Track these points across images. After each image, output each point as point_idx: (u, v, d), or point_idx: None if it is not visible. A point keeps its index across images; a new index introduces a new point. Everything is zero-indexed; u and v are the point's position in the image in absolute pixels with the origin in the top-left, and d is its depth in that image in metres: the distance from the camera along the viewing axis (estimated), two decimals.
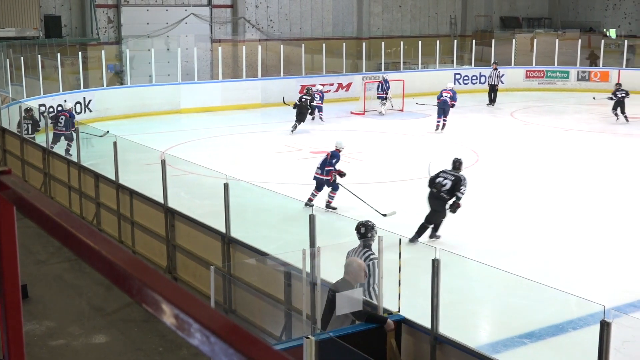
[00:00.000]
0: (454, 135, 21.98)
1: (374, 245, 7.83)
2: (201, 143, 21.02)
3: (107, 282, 1.44)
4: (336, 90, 29.23)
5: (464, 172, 12.29)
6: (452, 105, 22.88)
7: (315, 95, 23.96)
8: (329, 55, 30.11)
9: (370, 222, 8.37)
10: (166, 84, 27.23)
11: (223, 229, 9.43)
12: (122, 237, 12.07)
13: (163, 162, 10.89)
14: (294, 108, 22.67)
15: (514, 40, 33.55)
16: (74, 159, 14.12)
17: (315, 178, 13.86)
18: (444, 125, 22.58)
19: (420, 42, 31.64)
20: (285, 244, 11.00)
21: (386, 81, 25.99)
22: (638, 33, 37.02)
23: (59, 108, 20.55)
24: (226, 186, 9.37)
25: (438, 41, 32.21)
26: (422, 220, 12.14)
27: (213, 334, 1.19)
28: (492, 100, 28.25)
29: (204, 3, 31.07)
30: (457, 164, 12.29)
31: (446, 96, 22.80)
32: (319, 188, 13.84)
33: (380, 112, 25.77)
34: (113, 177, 12.24)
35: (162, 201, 10.79)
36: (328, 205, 13.72)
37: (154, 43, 28.70)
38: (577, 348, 8.52)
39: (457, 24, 38.28)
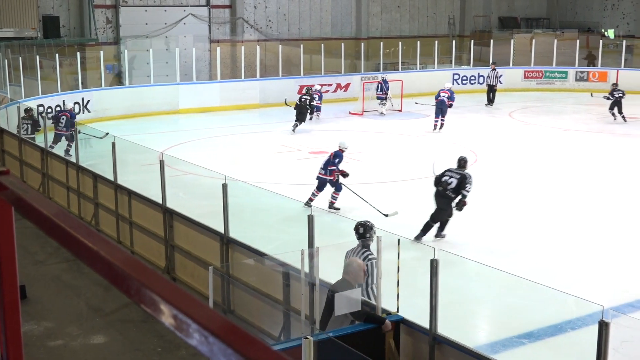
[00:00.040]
0: (452, 135, 21.98)
1: (373, 246, 7.83)
2: (200, 143, 21.01)
3: (106, 283, 1.44)
4: (335, 91, 29.24)
5: (468, 170, 12.30)
6: (450, 105, 22.94)
7: (314, 95, 23.98)
8: (328, 56, 30.12)
9: (369, 222, 8.37)
10: (165, 84, 27.22)
11: (221, 229, 9.43)
12: (121, 238, 12.06)
13: (161, 163, 10.89)
14: (295, 109, 22.71)
15: (512, 40, 33.57)
16: (73, 159, 14.12)
17: (318, 178, 13.87)
18: (441, 124, 22.65)
19: (418, 42, 31.66)
20: (283, 244, 11.00)
21: (385, 81, 25.99)
22: (636, 33, 37.04)
23: (59, 108, 20.52)
24: (225, 186, 9.37)
25: (436, 41, 32.23)
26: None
27: (211, 334, 1.19)
28: (490, 101, 28.26)
29: (202, 3, 31.06)
30: (462, 163, 12.39)
31: (444, 96, 22.85)
32: (320, 188, 13.84)
33: (382, 113, 25.78)
34: (111, 178, 12.24)
35: (160, 201, 10.79)
36: (331, 206, 13.72)
37: (152, 43, 28.69)
38: (575, 348, 8.53)
39: (456, 24, 38.30)
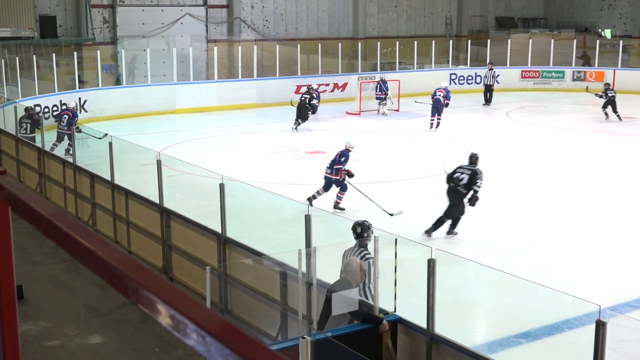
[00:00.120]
0: (449, 135, 22.00)
1: (370, 245, 7.83)
2: (197, 143, 21.00)
3: (103, 283, 1.44)
4: (332, 91, 29.24)
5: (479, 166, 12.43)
6: (446, 105, 23.06)
7: (314, 94, 24.00)
8: (325, 56, 30.12)
9: (367, 221, 8.37)
10: (162, 84, 27.20)
11: (219, 229, 9.43)
12: (118, 238, 12.05)
13: (159, 163, 10.89)
14: (296, 108, 22.84)
15: (509, 40, 33.61)
16: (70, 159, 14.11)
17: (325, 177, 13.87)
18: (438, 123, 22.78)
19: (415, 42, 31.67)
20: (281, 244, 10.99)
21: (384, 82, 26.02)
22: (633, 33, 37.09)
23: (63, 107, 20.49)
24: (222, 186, 9.37)
25: (434, 41, 32.24)
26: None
27: (209, 334, 1.19)
28: (487, 101, 28.29)
29: (199, 3, 31.05)
30: (473, 159, 12.52)
31: (440, 95, 22.98)
32: (326, 188, 13.83)
33: (384, 113, 25.81)
34: (109, 178, 12.23)
35: (157, 201, 10.79)
36: (336, 206, 13.71)
37: (149, 43, 28.67)
38: (572, 348, 8.54)
39: (453, 24, 38.32)
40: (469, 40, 33.85)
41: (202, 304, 1.27)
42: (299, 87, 28.37)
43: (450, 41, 33.41)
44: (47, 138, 16.02)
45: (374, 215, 12.63)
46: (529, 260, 11.23)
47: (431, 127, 22.83)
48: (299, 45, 29.64)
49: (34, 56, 23.31)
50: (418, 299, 6.99)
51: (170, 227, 10.56)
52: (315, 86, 25.09)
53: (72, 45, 26.57)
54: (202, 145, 20.84)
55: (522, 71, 32.58)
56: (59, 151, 17.19)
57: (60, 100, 23.00)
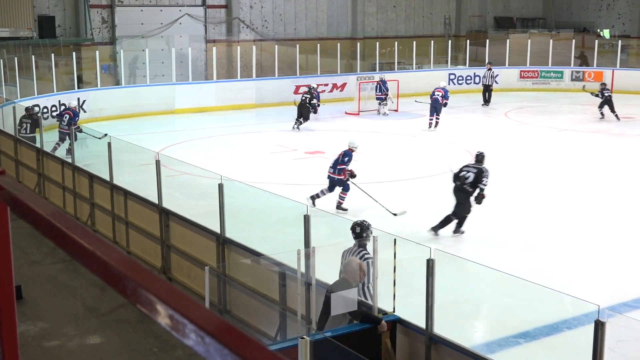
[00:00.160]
0: (448, 135, 22.01)
1: (369, 245, 7.83)
2: (196, 143, 21.00)
3: (102, 283, 1.44)
4: (331, 91, 29.23)
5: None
6: (445, 104, 23.16)
7: (314, 93, 24.01)
8: (324, 56, 30.11)
9: (366, 221, 8.37)
10: (160, 84, 27.19)
11: (218, 230, 9.42)
12: (117, 238, 12.05)
13: (157, 163, 10.88)
14: (298, 108, 22.96)
15: (508, 40, 33.62)
16: (69, 159, 14.11)
17: (328, 177, 13.86)
18: (436, 123, 22.88)
19: (414, 42, 31.67)
20: (280, 244, 10.99)
21: (384, 82, 26.03)
22: (632, 33, 37.13)
23: (65, 106, 20.48)
24: (221, 186, 9.37)
25: (432, 41, 32.25)
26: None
27: (208, 334, 1.19)
28: (486, 101, 28.30)
29: (198, 3, 31.04)
30: (480, 157, 12.60)
31: (438, 95, 23.09)
32: (331, 188, 13.82)
33: (385, 113, 25.82)
34: (107, 178, 12.23)
35: (156, 202, 10.78)
36: (339, 207, 13.69)
37: (148, 43, 28.67)
38: (571, 348, 8.54)
39: (452, 24, 38.33)
40: (468, 40, 33.86)
41: (201, 304, 1.27)
42: (297, 87, 28.37)
43: (449, 41, 33.41)
44: (46, 138, 16.02)
45: (377, 215, 12.67)
46: (528, 260, 11.23)
47: (430, 126, 22.92)
48: (297, 46, 29.64)
49: (33, 56, 23.31)
50: (417, 299, 6.99)
51: (169, 227, 10.56)
52: (314, 86, 25.11)
53: (71, 45, 26.56)
54: (201, 145, 20.84)
55: (521, 71, 32.59)
56: (61, 151, 17.18)
57: (59, 101, 22.98)
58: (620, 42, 32.17)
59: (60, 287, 10.22)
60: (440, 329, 6.79)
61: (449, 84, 28.79)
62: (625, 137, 22.03)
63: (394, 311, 7.25)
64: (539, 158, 18.98)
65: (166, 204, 10.73)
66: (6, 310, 1.83)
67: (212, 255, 9.53)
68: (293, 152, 19.63)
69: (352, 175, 13.69)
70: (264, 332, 8.44)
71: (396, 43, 31.59)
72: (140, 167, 14.05)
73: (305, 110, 22.93)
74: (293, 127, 22.81)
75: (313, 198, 13.69)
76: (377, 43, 31.64)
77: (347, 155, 13.85)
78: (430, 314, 6.74)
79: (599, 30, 38.47)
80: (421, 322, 6.85)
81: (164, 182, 10.92)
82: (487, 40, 33.05)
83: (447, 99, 23.28)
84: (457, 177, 12.41)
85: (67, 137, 17.99)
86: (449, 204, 12.46)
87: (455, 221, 12.32)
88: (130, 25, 29.40)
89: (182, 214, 10.47)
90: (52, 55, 23.61)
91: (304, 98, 23.22)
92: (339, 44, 30.53)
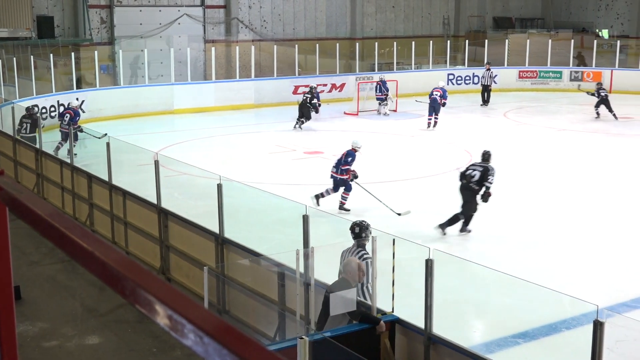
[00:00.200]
0: (447, 135, 22.02)
1: (368, 245, 7.84)
2: (195, 144, 21.00)
3: (101, 283, 1.44)
4: (330, 91, 29.23)
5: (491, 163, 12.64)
6: (443, 104, 23.25)
7: (315, 93, 24.04)
8: (323, 56, 30.11)
9: (365, 222, 8.37)
10: (159, 84, 27.18)
11: (216, 230, 9.42)
12: (115, 238, 12.04)
13: (156, 163, 10.88)
14: (299, 108, 23.07)
15: (507, 40, 33.62)
16: (67, 159, 14.11)
17: (331, 177, 13.83)
18: (435, 122, 22.97)
19: (413, 42, 31.67)
20: (278, 244, 10.99)
21: (384, 82, 26.05)
22: (630, 33, 37.15)
23: (64, 106, 20.49)
24: (219, 187, 9.37)
25: (431, 41, 32.25)
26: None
27: (206, 334, 1.19)
28: (485, 101, 28.32)
29: (197, 3, 31.03)
30: (486, 156, 12.72)
31: (436, 95, 23.21)
32: (335, 188, 13.80)
33: (385, 114, 25.84)
34: (106, 178, 12.22)
35: (155, 202, 10.78)
36: (341, 207, 13.66)
37: (147, 44, 28.66)
38: (570, 348, 8.54)
39: (450, 24, 38.34)
40: (467, 41, 33.88)
41: (200, 304, 1.27)
42: (296, 87, 28.39)
43: (448, 41, 33.41)
44: (45, 138, 16.02)
45: (379, 215, 12.70)
46: (527, 260, 11.23)
47: (428, 126, 23.03)
48: (296, 46, 29.64)
49: (32, 56, 23.29)
50: (416, 299, 6.99)
51: (168, 227, 10.55)
52: (314, 85, 25.11)
53: (70, 45, 26.55)
54: (200, 145, 20.83)
55: (520, 71, 32.60)
56: (63, 151, 17.20)
57: (58, 101, 22.99)
58: (619, 42, 32.18)
59: (59, 287, 10.22)
60: (439, 329, 6.79)
61: (447, 84, 28.80)
62: (624, 137, 22.04)
63: (392, 311, 7.25)
64: (538, 158, 18.98)
65: (165, 204, 10.73)
66: (5, 310, 1.83)
67: (211, 255, 9.52)
68: (292, 152, 19.63)
69: (355, 176, 13.67)
70: (263, 332, 8.44)
71: (395, 43, 31.59)
72: (139, 167, 14.03)
73: (306, 109, 23.00)
74: (294, 127, 22.84)
75: (317, 197, 13.68)
76: (376, 43, 31.65)
77: (350, 155, 13.81)
78: (429, 314, 6.74)
79: (597, 31, 38.50)
80: (420, 322, 6.85)
81: (163, 182, 10.92)
82: (486, 41, 33.06)
83: (445, 99, 23.35)
84: (463, 175, 12.50)
85: (69, 137, 17.99)
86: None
87: (462, 220, 12.38)
88: (129, 26, 29.39)
89: (181, 214, 10.47)
90: (51, 55, 23.59)
91: (305, 98, 23.30)
92: (337, 44, 30.54)
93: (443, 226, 12.26)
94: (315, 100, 23.34)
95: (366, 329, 6.98)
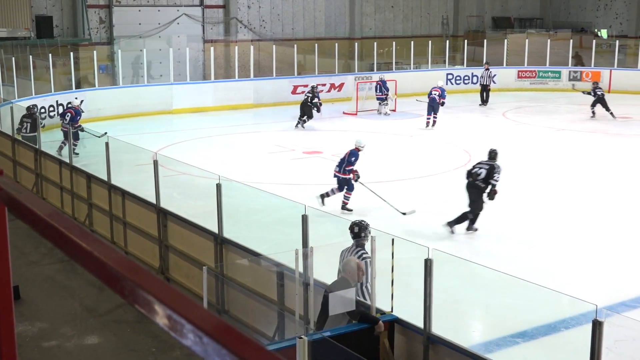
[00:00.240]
0: (446, 135, 22.02)
1: (367, 245, 7.84)
2: (194, 143, 20.99)
3: (100, 283, 1.44)
4: (328, 91, 29.22)
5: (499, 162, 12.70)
6: (442, 103, 23.33)
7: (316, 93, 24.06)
8: (321, 56, 30.11)
9: (364, 221, 8.38)
10: (158, 84, 27.17)
11: (216, 230, 9.42)
12: (115, 238, 12.04)
13: (155, 163, 10.88)
14: (301, 107, 23.21)
15: (505, 40, 33.62)
16: (66, 159, 14.10)
17: (335, 176, 13.81)
18: (434, 122, 23.06)
19: (412, 42, 31.67)
20: (278, 244, 10.99)
21: (384, 82, 26.06)
22: (629, 33, 37.15)
23: (68, 105, 20.50)
24: (219, 186, 9.37)
25: (430, 41, 32.25)
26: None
27: (206, 334, 1.19)
28: (484, 101, 28.33)
29: (196, 3, 31.03)
30: (492, 154, 12.80)
31: (435, 94, 23.30)
32: (340, 188, 13.78)
33: (386, 113, 25.86)
34: (105, 178, 12.22)
35: (154, 202, 10.78)
36: (344, 207, 13.62)
37: (146, 43, 28.65)
38: (569, 347, 8.54)
39: (449, 24, 38.34)
40: (466, 40, 33.87)
41: (199, 304, 1.27)
42: (295, 87, 28.39)
43: (447, 41, 33.41)
44: (46, 138, 16.02)
45: (382, 215, 12.71)
46: (526, 260, 11.24)
47: (427, 125, 23.12)
48: (295, 46, 29.64)
49: (30, 56, 23.28)
50: (415, 299, 6.99)
51: (167, 227, 10.55)
52: (315, 84, 25.10)
53: (69, 45, 26.54)
54: (199, 145, 20.83)
55: (519, 71, 32.61)
56: (66, 150, 17.19)
57: (57, 101, 22.99)
58: (617, 42, 32.19)
59: (58, 287, 10.21)
60: (438, 328, 6.79)
61: (446, 84, 28.82)
62: (623, 137, 22.05)
63: (392, 311, 7.25)
64: (537, 158, 18.99)
65: (164, 204, 10.72)
66: (4, 310, 1.83)
67: (210, 255, 9.52)
68: (291, 152, 19.63)
69: (358, 177, 13.66)
70: (262, 332, 8.44)
71: (394, 43, 31.59)
72: (138, 167, 14.03)
73: (308, 108, 23.07)
74: (297, 126, 22.88)
75: (323, 197, 13.67)
76: (375, 43, 31.65)
77: (353, 154, 13.77)
78: (428, 313, 6.74)
79: (596, 30, 38.50)
80: (419, 322, 6.86)
81: (162, 182, 10.91)
82: (485, 40, 33.06)
83: (444, 98, 23.43)
84: (470, 173, 12.58)
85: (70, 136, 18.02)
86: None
87: (470, 218, 12.44)
88: (128, 26, 29.38)
89: (180, 214, 10.47)
90: (50, 55, 23.58)
91: (306, 97, 23.35)
92: (336, 44, 30.54)
93: (451, 224, 12.36)
94: (316, 100, 23.37)
95: (365, 329, 6.98)
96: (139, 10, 29.85)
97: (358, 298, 7.32)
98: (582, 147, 20.73)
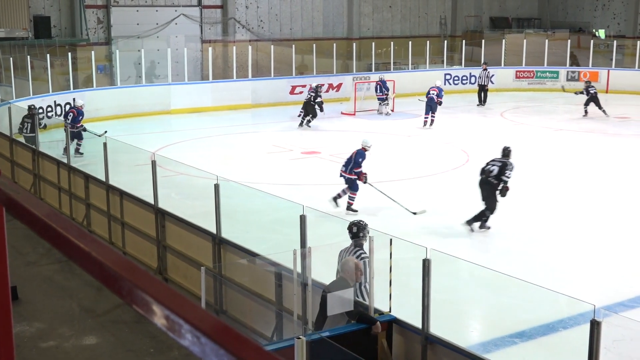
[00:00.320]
0: (444, 135, 22.03)
1: (366, 245, 7.84)
2: (192, 144, 20.98)
3: (98, 284, 1.43)
4: (327, 91, 29.20)
5: (510, 160, 12.78)
6: (440, 103, 23.43)
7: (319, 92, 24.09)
8: (320, 56, 30.12)
9: (362, 221, 8.38)
10: (156, 84, 27.15)
11: (214, 230, 9.42)
12: (113, 238, 12.03)
13: (153, 163, 10.87)
14: (302, 107, 23.34)
15: (503, 40, 33.64)
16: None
17: (341, 176, 13.77)
18: (432, 121, 23.17)
19: (410, 42, 31.69)
20: (276, 244, 10.98)
21: (384, 82, 26.08)
22: (627, 33, 37.17)
23: (70, 105, 20.50)
24: (217, 187, 9.36)
25: (428, 41, 32.26)
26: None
27: (204, 334, 1.18)
28: (482, 101, 28.35)
29: (194, 3, 31.02)
30: (506, 152, 12.92)
31: (433, 94, 23.46)
32: (350, 188, 13.76)
33: (387, 113, 25.88)
34: (103, 178, 12.21)
35: (152, 202, 10.77)
36: (349, 207, 13.57)
37: (144, 44, 28.63)
38: (567, 347, 8.55)
39: (447, 24, 38.35)
40: (464, 41, 33.88)
41: (197, 304, 1.27)
42: (293, 87, 28.40)
43: (445, 41, 33.43)
44: (46, 138, 16.01)
45: (386, 216, 12.72)
46: (524, 260, 11.24)
47: (425, 124, 23.23)
48: (293, 46, 29.63)
49: (28, 57, 23.26)
50: (413, 299, 6.99)
51: (165, 227, 10.55)
52: (318, 84, 25.09)
53: (67, 45, 26.51)
54: (197, 145, 20.82)
55: (517, 71, 32.63)
56: (72, 151, 17.21)
57: (55, 101, 22.98)
58: (615, 42, 32.22)
59: (56, 287, 10.20)
60: (436, 328, 6.79)
61: (444, 84, 28.84)
62: (621, 137, 22.07)
63: (390, 311, 7.25)
64: (535, 158, 18.98)
65: (162, 205, 10.72)
66: (2, 311, 1.83)
67: (208, 255, 9.52)
68: (289, 152, 19.63)
69: (366, 179, 13.61)
70: (260, 333, 8.43)
71: (392, 43, 31.60)
72: (136, 167, 14.03)
73: (311, 107, 23.13)
74: (301, 125, 22.94)
75: (335, 199, 13.62)
76: (373, 43, 31.65)
77: (360, 155, 13.70)
78: (427, 313, 6.74)
79: (594, 30, 38.53)
80: (417, 322, 6.86)
81: (160, 182, 10.91)
82: (483, 41, 33.08)
83: (441, 98, 23.54)
84: (483, 170, 12.69)
85: (73, 136, 18.03)
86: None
87: (488, 215, 12.53)
88: (126, 26, 29.36)
89: (178, 214, 10.47)
90: (48, 55, 23.57)
91: (309, 96, 23.39)
92: (334, 44, 30.54)
93: (470, 222, 12.46)
94: (319, 99, 23.41)
95: (364, 329, 6.98)
96: (137, 11, 29.83)
97: (356, 298, 7.32)
98: (579, 147, 20.74)
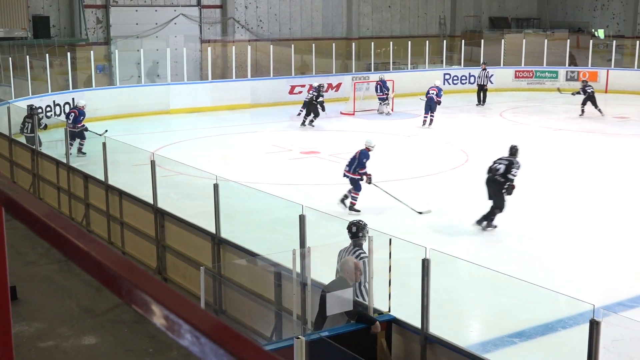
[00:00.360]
0: (443, 135, 22.03)
1: (365, 245, 7.84)
2: (191, 144, 20.98)
3: (97, 284, 1.43)
4: (326, 91, 29.18)
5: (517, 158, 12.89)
6: (439, 102, 23.49)
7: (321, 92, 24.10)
8: (319, 56, 30.12)
9: (362, 221, 8.38)
10: (155, 84, 27.14)
11: (213, 230, 9.42)
12: (112, 238, 12.03)
13: (153, 163, 10.87)
14: (304, 106, 23.43)
15: (503, 40, 33.65)
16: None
17: (345, 176, 13.75)
18: (431, 120, 23.25)
19: (409, 42, 31.69)
20: (275, 244, 10.98)
21: (384, 82, 26.10)
22: (626, 33, 37.18)
23: (71, 105, 20.51)
24: (216, 187, 9.36)
25: (427, 41, 32.27)
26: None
27: (203, 334, 1.18)
28: (481, 101, 28.35)
29: (193, 3, 31.01)
30: (513, 150, 13.01)
31: (432, 93, 23.53)
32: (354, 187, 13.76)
33: (388, 113, 25.90)
34: (102, 178, 12.20)
35: (151, 202, 10.77)
36: (352, 208, 13.56)
37: (143, 43, 28.62)
38: (567, 347, 8.55)
39: (447, 24, 38.36)
40: (463, 41, 33.89)
41: (197, 304, 1.27)
42: (292, 87, 28.40)
43: (444, 41, 33.43)
44: (44, 138, 16.00)
45: (389, 216, 12.71)
46: (524, 260, 11.24)
47: (424, 124, 23.30)
48: (292, 46, 29.63)
49: (27, 56, 23.25)
50: (413, 299, 6.99)
51: (165, 227, 10.54)
52: (321, 84, 25.10)
53: (66, 45, 26.51)
54: (196, 145, 20.82)
55: (516, 71, 32.64)
56: (73, 150, 17.23)
57: (54, 101, 22.98)
58: (614, 42, 32.23)
59: (55, 287, 10.20)
60: (435, 328, 6.79)
61: (444, 84, 28.86)
62: (620, 137, 22.08)
63: (389, 311, 7.25)
64: (534, 158, 18.96)
65: (161, 204, 10.72)
66: (1, 311, 1.82)
67: (207, 255, 9.52)
68: (288, 152, 19.63)
69: (370, 179, 13.60)
70: (260, 332, 8.43)
71: (391, 43, 31.61)
72: (136, 167, 14.03)
73: (313, 107, 23.17)
74: (303, 124, 22.97)
75: (343, 201, 13.59)
76: (372, 43, 31.65)
77: (364, 155, 13.67)
78: (426, 313, 6.74)
79: (593, 30, 38.54)
80: (417, 322, 6.85)
81: (159, 182, 10.91)
82: (482, 40, 33.08)
83: (440, 97, 23.59)
84: (490, 169, 12.74)
85: (75, 136, 18.06)
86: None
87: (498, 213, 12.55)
88: (125, 26, 29.35)
89: (178, 214, 10.46)
90: (47, 55, 23.56)
91: (311, 96, 23.40)
92: (334, 44, 30.54)
93: (480, 222, 12.50)
94: (321, 99, 23.43)
95: (363, 329, 6.98)
96: (136, 10, 29.82)
97: (356, 298, 7.32)
98: (579, 147, 20.75)
